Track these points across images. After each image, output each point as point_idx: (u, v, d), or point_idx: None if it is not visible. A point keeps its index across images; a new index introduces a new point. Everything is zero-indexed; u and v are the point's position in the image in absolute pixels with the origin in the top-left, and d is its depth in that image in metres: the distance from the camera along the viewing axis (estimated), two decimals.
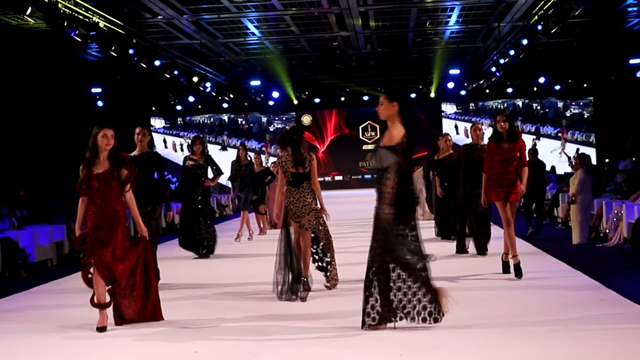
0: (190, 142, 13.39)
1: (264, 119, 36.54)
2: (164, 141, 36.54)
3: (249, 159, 15.95)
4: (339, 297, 8.43)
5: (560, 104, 34.46)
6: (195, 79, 25.61)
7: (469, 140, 12.21)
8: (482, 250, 11.63)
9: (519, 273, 9.21)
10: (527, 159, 9.97)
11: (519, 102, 34.74)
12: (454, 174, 12.52)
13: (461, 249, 11.93)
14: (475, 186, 11.03)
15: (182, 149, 35.81)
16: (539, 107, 34.46)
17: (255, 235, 16.59)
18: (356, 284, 8.28)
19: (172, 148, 36.48)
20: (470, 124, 14.02)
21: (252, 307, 8.07)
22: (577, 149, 32.30)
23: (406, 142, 6.64)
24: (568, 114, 34.22)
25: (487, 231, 11.68)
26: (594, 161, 27.31)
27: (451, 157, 13.17)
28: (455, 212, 12.41)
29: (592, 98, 33.88)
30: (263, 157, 31.86)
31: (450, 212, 13.19)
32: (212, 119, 36.77)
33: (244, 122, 36.58)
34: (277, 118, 36.47)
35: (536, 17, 19.36)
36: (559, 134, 34.17)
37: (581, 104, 34.29)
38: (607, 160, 29.02)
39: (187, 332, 6.96)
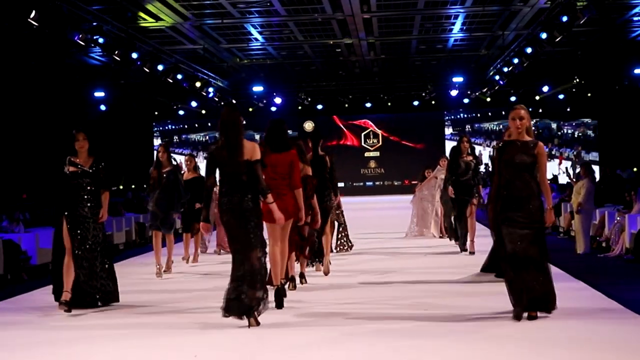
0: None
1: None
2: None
3: (174, 162, 11.73)
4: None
5: (554, 125, 34.77)
6: (198, 84, 25.59)
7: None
8: None
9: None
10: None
11: None
12: None
13: None
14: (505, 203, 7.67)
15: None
16: (533, 128, 34.50)
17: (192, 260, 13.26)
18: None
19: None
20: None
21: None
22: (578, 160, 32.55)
23: None
24: (561, 134, 34.52)
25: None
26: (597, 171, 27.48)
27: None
28: None
29: (588, 120, 34.44)
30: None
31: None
32: (207, 137, 36.71)
33: None
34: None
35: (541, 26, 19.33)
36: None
37: (574, 124, 34.67)
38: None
39: (187, 334, 6.94)
